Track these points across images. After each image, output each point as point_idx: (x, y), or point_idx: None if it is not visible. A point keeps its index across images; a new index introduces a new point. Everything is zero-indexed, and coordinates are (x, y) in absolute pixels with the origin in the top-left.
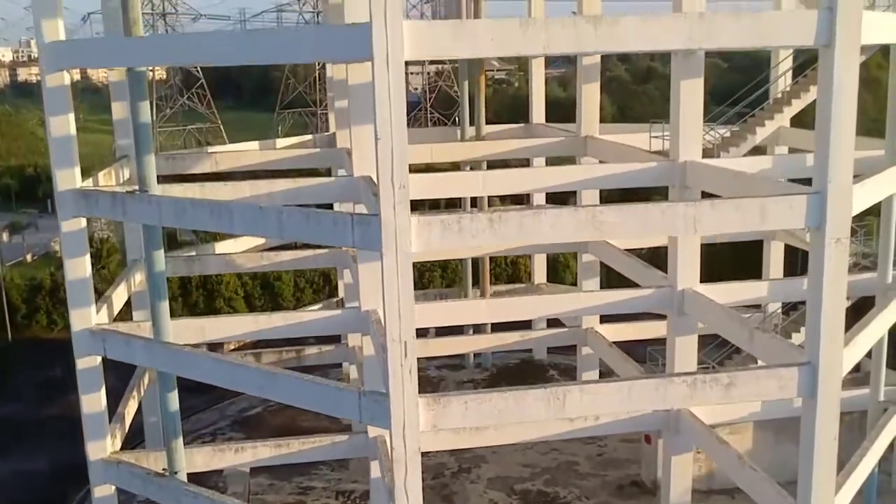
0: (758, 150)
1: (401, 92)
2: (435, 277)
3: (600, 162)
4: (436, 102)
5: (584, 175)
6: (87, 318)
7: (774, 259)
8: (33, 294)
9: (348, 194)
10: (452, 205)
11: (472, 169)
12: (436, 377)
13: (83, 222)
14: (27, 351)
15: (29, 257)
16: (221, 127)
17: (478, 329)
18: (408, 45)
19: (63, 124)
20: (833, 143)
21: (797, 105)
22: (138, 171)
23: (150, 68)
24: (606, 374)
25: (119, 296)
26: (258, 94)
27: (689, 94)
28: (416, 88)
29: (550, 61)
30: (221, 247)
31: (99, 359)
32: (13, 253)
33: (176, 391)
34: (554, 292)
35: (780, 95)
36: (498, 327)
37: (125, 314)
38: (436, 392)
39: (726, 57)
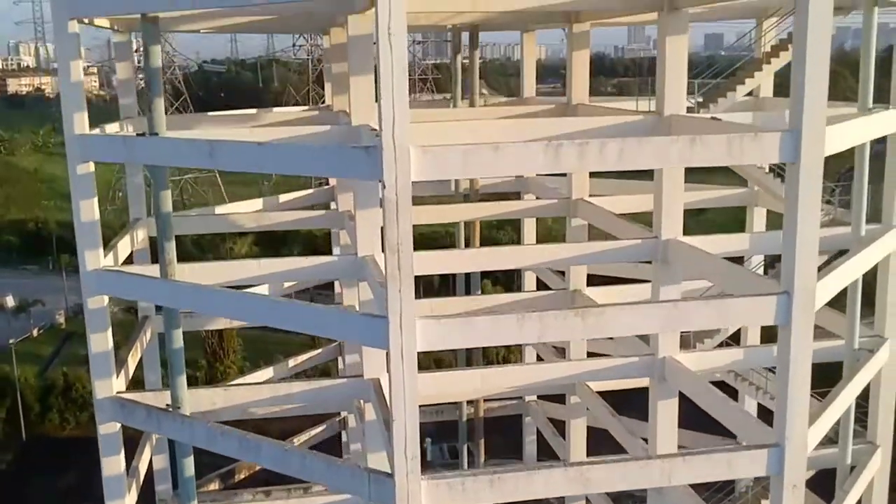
0: None
1: (413, 387)
2: None
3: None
4: None
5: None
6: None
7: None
8: (46, 393)
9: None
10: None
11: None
12: None
13: (118, 426)
14: (41, 452)
15: (35, 332)
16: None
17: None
18: (420, 338)
19: (102, 341)
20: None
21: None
22: (172, 392)
23: None
24: None
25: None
26: None
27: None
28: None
29: (541, 77)
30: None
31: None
32: (20, 325)
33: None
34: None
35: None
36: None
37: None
38: None
39: None
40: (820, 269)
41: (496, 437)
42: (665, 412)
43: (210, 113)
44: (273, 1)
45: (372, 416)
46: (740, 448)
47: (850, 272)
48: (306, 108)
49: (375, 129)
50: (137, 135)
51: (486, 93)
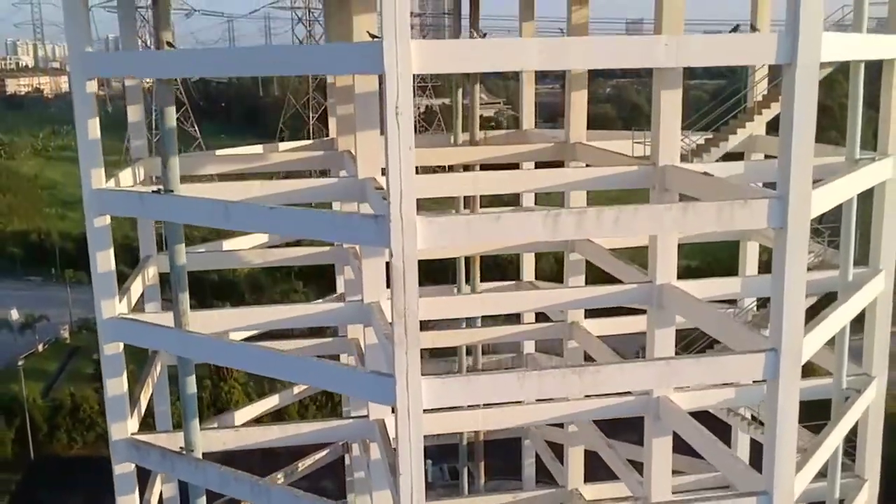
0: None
1: (419, 441)
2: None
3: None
4: None
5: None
6: None
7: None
8: (54, 413)
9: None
10: None
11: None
12: None
13: (132, 466)
14: (50, 472)
15: (41, 347)
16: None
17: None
18: (425, 396)
19: (118, 385)
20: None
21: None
22: (186, 435)
23: None
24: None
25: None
26: (249, 118)
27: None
28: None
29: (540, 78)
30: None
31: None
32: (26, 339)
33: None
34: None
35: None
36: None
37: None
38: None
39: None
40: (808, 313)
41: (496, 459)
42: (660, 448)
43: (218, 152)
44: (282, 74)
45: (377, 455)
46: (730, 496)
47: (836, 322)
48: (310, 142)
49: (382, 189)
50: (153, 191)
51: (484, 97)
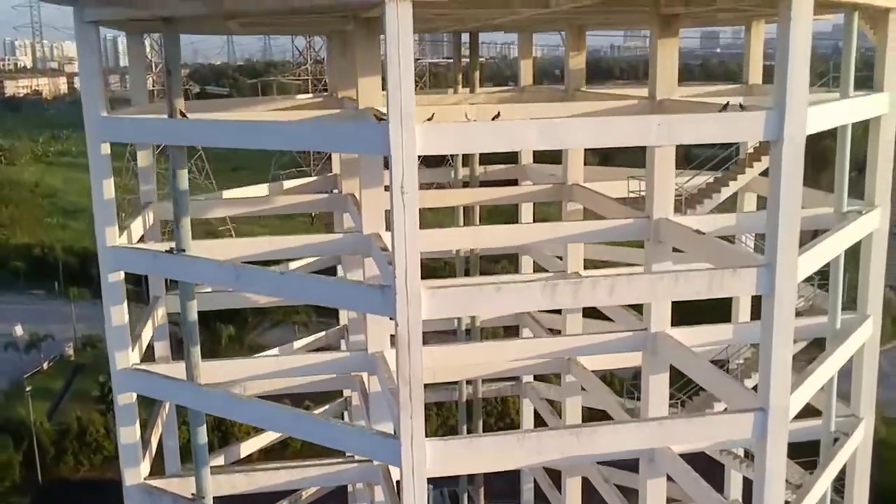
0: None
1: (423, 497)
2: None
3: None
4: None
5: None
6: None
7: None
8: (61, 436)
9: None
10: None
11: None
12: None
13: None
14: (56, 495)
15: (46, 365)
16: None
17: None
18: (429, 459)
19: (131, 433)
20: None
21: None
22: (197, 481)
23: None
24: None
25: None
26: None
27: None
28: None
29: (538, 80)
30: None
31: None
32: (30, 356)
33: None
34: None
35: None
36: None
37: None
38: None
39: None
40: (800, 353)
41: (496, 481)
42: (654, 489)
43: (225, 194)
44: (290, 149)
45: (381, 498)
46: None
47: (824, 374)
48: (314, 179)
49: (387, 251)
50: (166, 251)
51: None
